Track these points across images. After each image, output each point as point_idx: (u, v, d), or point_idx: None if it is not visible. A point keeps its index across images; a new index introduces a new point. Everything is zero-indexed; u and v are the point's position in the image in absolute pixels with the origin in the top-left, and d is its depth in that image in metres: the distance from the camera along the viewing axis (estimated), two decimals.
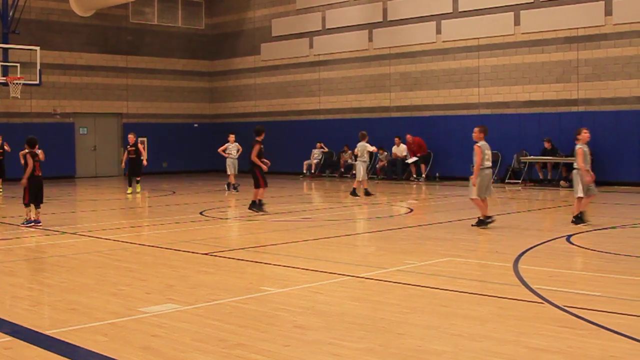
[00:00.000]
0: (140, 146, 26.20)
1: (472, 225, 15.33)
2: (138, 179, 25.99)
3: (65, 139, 35.30)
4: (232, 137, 27.07)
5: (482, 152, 15.16)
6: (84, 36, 36.08)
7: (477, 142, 15.28)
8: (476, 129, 15.53)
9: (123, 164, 25.50)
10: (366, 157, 23.73)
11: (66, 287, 9.74)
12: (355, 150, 24.04)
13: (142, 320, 7.81)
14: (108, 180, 34.31)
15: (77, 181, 34.06)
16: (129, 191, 25.60)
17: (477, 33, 29.52)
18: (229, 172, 26.55)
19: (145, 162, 26.35)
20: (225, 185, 26.48)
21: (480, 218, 15.36)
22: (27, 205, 16.59)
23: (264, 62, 37.69)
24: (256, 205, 18.50)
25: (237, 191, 25.47)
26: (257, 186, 18.54)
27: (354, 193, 23.15)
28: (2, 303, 8.86)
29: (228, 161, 26.63)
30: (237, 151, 26.83)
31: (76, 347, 6.82)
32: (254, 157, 18.73)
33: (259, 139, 19.15)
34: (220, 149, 26.74)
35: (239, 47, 39.19)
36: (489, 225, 15.14)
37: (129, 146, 26.16)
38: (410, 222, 16.96)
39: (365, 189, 23.50)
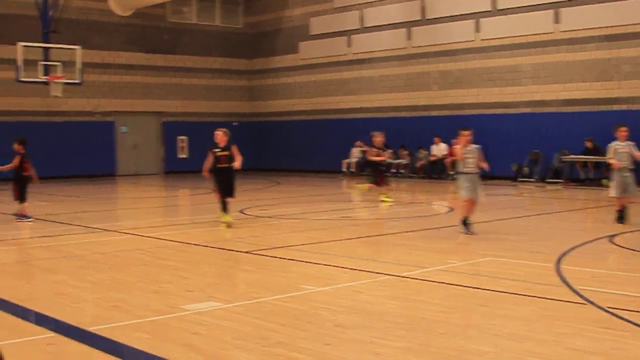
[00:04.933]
0: (234, 150, 16.23)
1: None
2: (229, 199, 16.51)
3: (106, 138, 35.61)
4: (467, 134, 14.25)
5: None
6: (123, 35, 36.34)
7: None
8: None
9: (206, 172, 16.32)
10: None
11: (108, 285, 9.82)
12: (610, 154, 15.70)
13: (183, 317, 7.86)
14: (148, 178, 34.55)
15: (117, 179, 34.33)
16: (223, 219, 16.25)
17: (516, 31, 29.31)
18: (467, 195, 14.26)
19: (237, 165, 16.14)
20: (462, 224, 14.36)
21: None
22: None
23: (303, 61, 37.71)
24: None
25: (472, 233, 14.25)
26: None
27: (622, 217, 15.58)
28: (45, 299, 8.95)
29: (464, 180, 14.27)
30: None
31: (118, 344, 6.88)
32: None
33: None
34: (450, 155, 16.26)
35: (278, 46, 39.25)
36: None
37: (217, 150, 16.18)
38: (451, 222, 16.88)
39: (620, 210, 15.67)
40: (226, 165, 15.97)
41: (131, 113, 36.70)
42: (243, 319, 7.75)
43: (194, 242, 13.65)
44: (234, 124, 39.67)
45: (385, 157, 21.62)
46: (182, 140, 37.90)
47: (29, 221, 17.05)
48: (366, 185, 20.72)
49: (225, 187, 16.10)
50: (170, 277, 10.30)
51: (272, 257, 11.90)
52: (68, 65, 31.13)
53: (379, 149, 21.08)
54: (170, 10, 37.94)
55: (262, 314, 7.97)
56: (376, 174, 20.75)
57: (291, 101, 38.55)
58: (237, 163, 16.00)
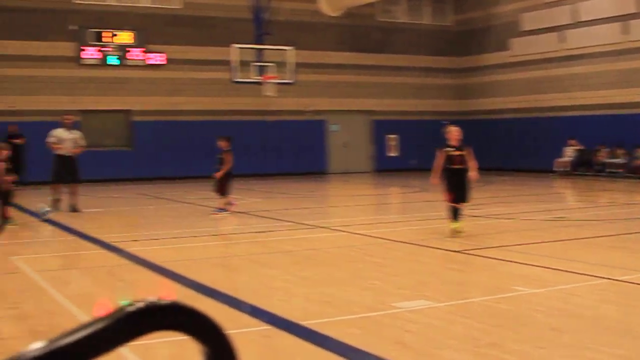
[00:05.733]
0: (469, 152, 14.33)
1: None
2: (463, 205, 14.34)
3: (317, 136, 36.37)
4: None
5: None
6: (333, 35, 36.96)
7: None
8: None
9: (436, 177, 14.36)
10: None
11: (319, 280, 10.01)
12: None
13: (395, 315, 7.89)
14: (358, 176, 34.97)
15: (329, 177, 34.97)
16: (452, 225, 14.06)
17: None
18: None
19: (475, 175, 14.25)
20: None
21: None
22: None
23: (514, 58, 37.00)
24: None
25: None
26: None
27: None
28: (259, 293, 9.22)
29: None
30: None
31: (330, 339, 6.98)
32: None
33: None
34: None
35: (488, 43, 38.71)
36: None
37: (450, 149, 14.21)
38: None
39: None
40: (460, 166, 14.08)
41: (341, 112, 37.26)
42: (454, 318, 7.70)
43: (403, 240, 13.68)
44: (444, 122, 39.51)
45: None
46: (392, 138, 38.07)
47: (226, 214, 17.87)
48: None
49: (459, 191, 14.09)
50: (379, 274, 10.37)
51: (482, 257, 11.77)
52: (280, 65, 32.01)
53: None
54: (379, 10, 38.25)
55: (473, 314, 7.90)
56: None
57: (501, 99, 37.91)
58: (474, 173, 14.16)
